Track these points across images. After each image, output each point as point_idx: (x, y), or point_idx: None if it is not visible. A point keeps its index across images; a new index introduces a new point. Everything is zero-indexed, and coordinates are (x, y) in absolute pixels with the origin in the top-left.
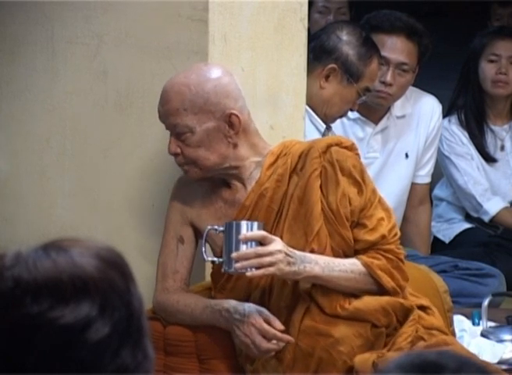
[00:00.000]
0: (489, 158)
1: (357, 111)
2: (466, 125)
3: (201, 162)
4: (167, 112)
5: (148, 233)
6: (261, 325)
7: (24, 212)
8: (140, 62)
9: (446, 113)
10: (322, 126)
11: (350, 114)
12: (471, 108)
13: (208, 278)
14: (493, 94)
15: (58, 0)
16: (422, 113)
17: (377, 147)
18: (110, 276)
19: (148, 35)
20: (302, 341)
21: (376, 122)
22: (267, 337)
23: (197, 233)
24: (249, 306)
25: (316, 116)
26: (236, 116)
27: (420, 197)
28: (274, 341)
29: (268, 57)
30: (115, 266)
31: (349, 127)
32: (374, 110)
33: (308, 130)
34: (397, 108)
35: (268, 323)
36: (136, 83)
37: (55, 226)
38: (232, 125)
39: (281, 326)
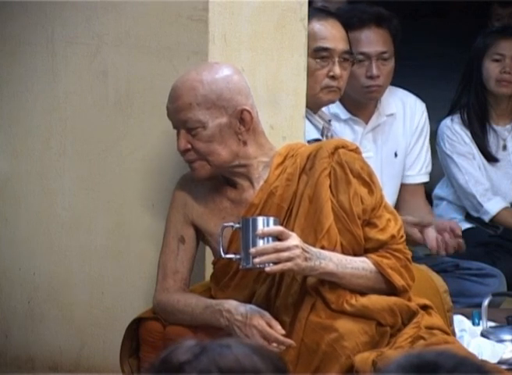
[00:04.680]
0: (491, 158)
1: (347, 109)
2: (468, 124)
3: (213, 158)
4: (178, 108)
5: (148, 234)
6: (263, 327)
7: (24, 212)
8: (140, 62)
9: (448, 112)
10: (321, 124)
11: (342, 114)
12: (473, 108)
13: (208, 278)
14: (497, 93)
15: (58, 0)
16: (407, 111)
17: (370, 146)
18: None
19: (148, 35)
20: (307, 337)
21: (366, 121)
22: (268, 340)
23: (199, 233)
24: (251, 308)
25: (315, 115)
26: (248, 111)
27: (411, 194)
28: (274, 344)
29: (268, 57)
30: (276, 365)
31: (339, 128)
32: (364, 107)
33: (308, 130)
34: (385, 107)
35: (270, 325)
36: (136, 83)
37: (55, 226)
38: (243, 121)
39: (282, 331)
